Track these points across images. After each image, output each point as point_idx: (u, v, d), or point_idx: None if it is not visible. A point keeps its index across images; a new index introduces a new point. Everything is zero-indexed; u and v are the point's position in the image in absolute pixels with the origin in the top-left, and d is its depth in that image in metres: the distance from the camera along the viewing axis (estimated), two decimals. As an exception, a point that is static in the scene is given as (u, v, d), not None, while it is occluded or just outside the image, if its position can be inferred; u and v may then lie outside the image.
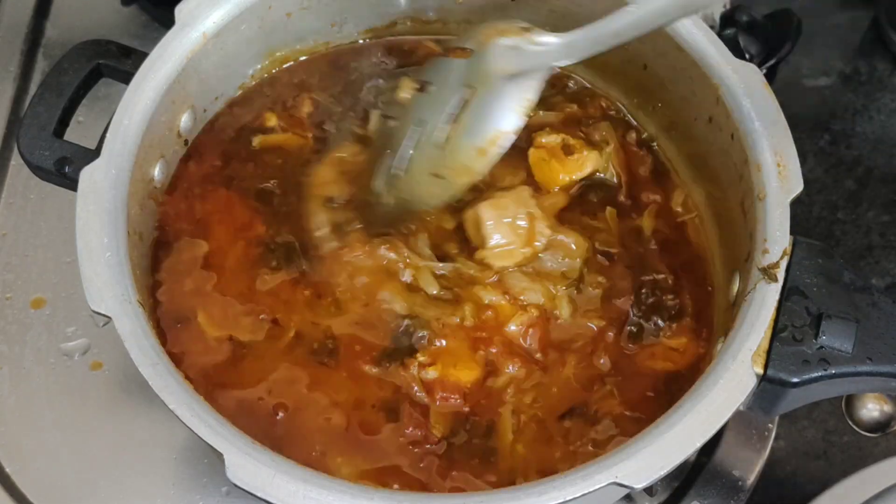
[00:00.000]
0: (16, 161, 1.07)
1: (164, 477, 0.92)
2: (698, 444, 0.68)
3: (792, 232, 0.75)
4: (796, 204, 0.76)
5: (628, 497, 0.92)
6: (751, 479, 0.93)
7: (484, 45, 0.79)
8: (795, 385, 0.71)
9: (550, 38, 0.76)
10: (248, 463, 0.66)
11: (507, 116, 0.77)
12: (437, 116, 0.80)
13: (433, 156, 0.80)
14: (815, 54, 1.21)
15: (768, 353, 0.71)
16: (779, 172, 0.76)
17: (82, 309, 0.98)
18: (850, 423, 0.98)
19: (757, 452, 0.94)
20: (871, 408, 0.99)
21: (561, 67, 0.76)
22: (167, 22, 0.84)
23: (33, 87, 1.12)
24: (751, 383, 0.70)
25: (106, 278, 0.73)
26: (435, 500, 0.67)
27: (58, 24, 1.18)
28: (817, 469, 0.96)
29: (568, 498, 0.65)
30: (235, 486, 0.66)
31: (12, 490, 0.91)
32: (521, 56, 0.76)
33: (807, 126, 1.15)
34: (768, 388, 0.71)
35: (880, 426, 0.98)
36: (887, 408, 0.98)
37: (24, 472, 0.92)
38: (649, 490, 0.92)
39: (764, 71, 1.04)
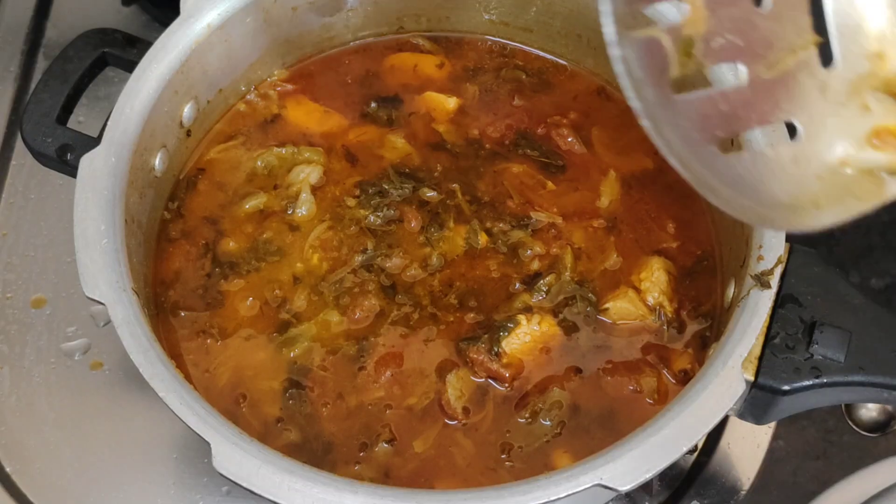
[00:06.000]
0: (16, 161, 1.07)
1: (165, 476, 0.92)
2: (684, 448, 0.68)
3: (790, 234, 0.75)
4: (796, 204, 0.76)
5: (628, 496, 0.92)
6: (751, 478, 0.93)
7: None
8: (786, 393, 0.71)
9: None
10: (234, 453, 0.67)
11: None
12: None
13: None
14: (816, 53, 1.20)
15: (760, 360, 0.71)
16: (777, 179, 0.76)
17: (82, 309, 0.98)
18: (850, 422, 0.98)
19: (757, 452, 0.94)
20: (871, 407, 0.98)
21: None
22: (167, 22, 0.84)
23: (33, 88, 1.12)
24: (740, 389, 0.70)
25: (101, 265, 0.73)
26: (418, 496, 0.67)
27: (58, 24, 1.18)
28: (817, 469, 0.96)
29: (552, 498, 0.66)
30: (221, 475, 0.66)
31: (12, 490, 0.91)
32: None
33: (807, 126, 1.14)
34: (759, 395, 0.71)
35: (880, 426, 0.98)
36: (888, 408, 0.98)
37: (24, 472, 0.92)
38: (649, 489, 0.92)
39: (764, 70, 1.03)
